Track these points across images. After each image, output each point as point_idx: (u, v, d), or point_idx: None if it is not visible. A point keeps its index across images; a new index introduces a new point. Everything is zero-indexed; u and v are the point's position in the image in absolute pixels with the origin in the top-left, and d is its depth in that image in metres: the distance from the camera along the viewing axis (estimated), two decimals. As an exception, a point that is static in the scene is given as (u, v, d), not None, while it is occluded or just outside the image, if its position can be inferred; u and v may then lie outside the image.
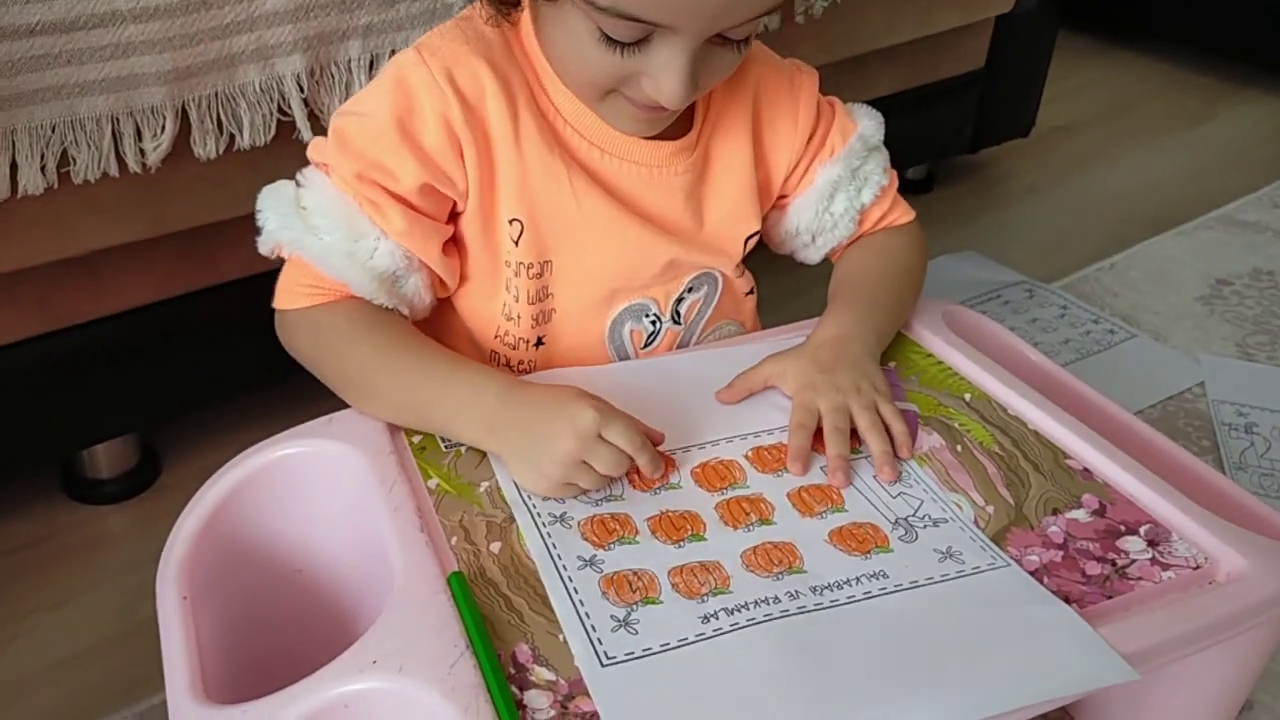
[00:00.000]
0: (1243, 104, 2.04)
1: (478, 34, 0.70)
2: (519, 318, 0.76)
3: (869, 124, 0.82)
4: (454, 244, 0.74)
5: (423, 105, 0.68)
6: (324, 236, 0.68)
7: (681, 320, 0.81)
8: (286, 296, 0.72)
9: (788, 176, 0.82)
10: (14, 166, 0.78)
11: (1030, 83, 1.68)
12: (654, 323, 0.80)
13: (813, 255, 0.87)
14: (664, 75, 0.64)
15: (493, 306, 0.76)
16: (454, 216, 0.73)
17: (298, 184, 0.70)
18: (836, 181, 0.81)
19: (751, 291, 0.85)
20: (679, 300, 0.80)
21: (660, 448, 0.69)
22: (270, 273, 0.99)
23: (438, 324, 0.78)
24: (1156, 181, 1.76)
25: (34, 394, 0.92)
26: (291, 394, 1.10)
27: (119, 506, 1.01)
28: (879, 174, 0.83)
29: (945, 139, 1.62)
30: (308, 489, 0.69)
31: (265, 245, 0.71)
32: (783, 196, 0.83)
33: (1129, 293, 1.44)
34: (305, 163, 0.71)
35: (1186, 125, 1.96)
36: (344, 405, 0.71)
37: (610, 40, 0.63)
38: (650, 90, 0.66)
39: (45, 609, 0.89)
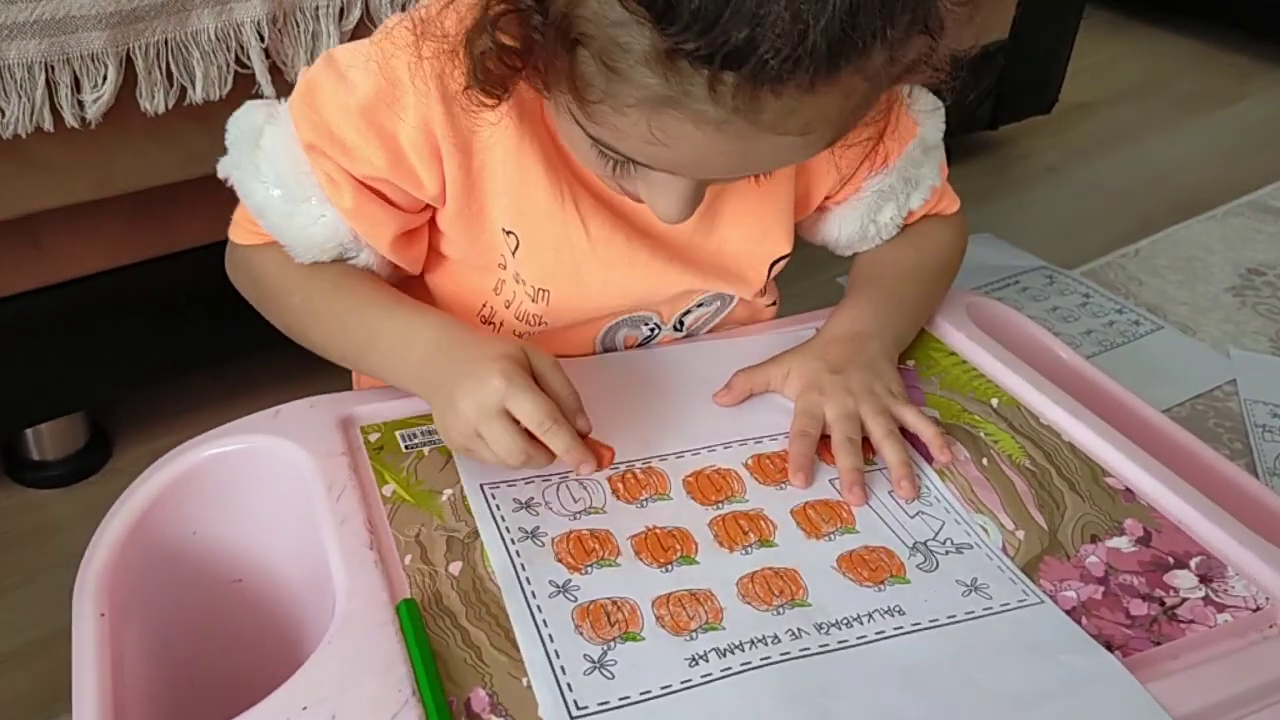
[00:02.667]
0: (1275, 84, 1.95)
1: None
2: (500, 325, 0.67)
3: (930, 124, 0.70)
4: (420, 233, 0.65)
5: (403, 99, 0.58)
6: (270, 189, 0.61)
7: (684, 329, 0.73)
8: (235, 228, 0.67)
9: (831, 193, 0.71)
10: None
11: (1054, 57, 1.59)
12: (653, 330, 0.72)
13: (843, 252, 0.76)
14: (661, 196, 0.55)
15: (474, 299, 0.68)
16: (425, 207, 0.64)
17: (268, 114, 0.62)
18: (887, 192, 0.71)
19: (774, 304, 0.76)
20: (685, 313, 0.71)
21: (649, 455, 0.61)
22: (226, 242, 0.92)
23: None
24: (1184, 164, 1.67)
25: (-30, 369, 0.85)
26: (253, 371, 1.03)
27: (64, 491, 0.94)
28: (933, 175, 0.72)
29: (962, 115, 1.53)
30: (249, 490, 0.62)
31: (221, 170, 0.64)
32: (823, 200, 0.73)
33: (1155, 281, 1.36)
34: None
35: (1216, 105, 1.87)
36: (311, 390, 0.64)
37: (604, 153, 0.53)
38: (647, 200, 0.56)
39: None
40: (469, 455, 0.58)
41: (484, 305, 0.68)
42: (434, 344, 0.60)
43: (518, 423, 0.55)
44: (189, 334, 0.94)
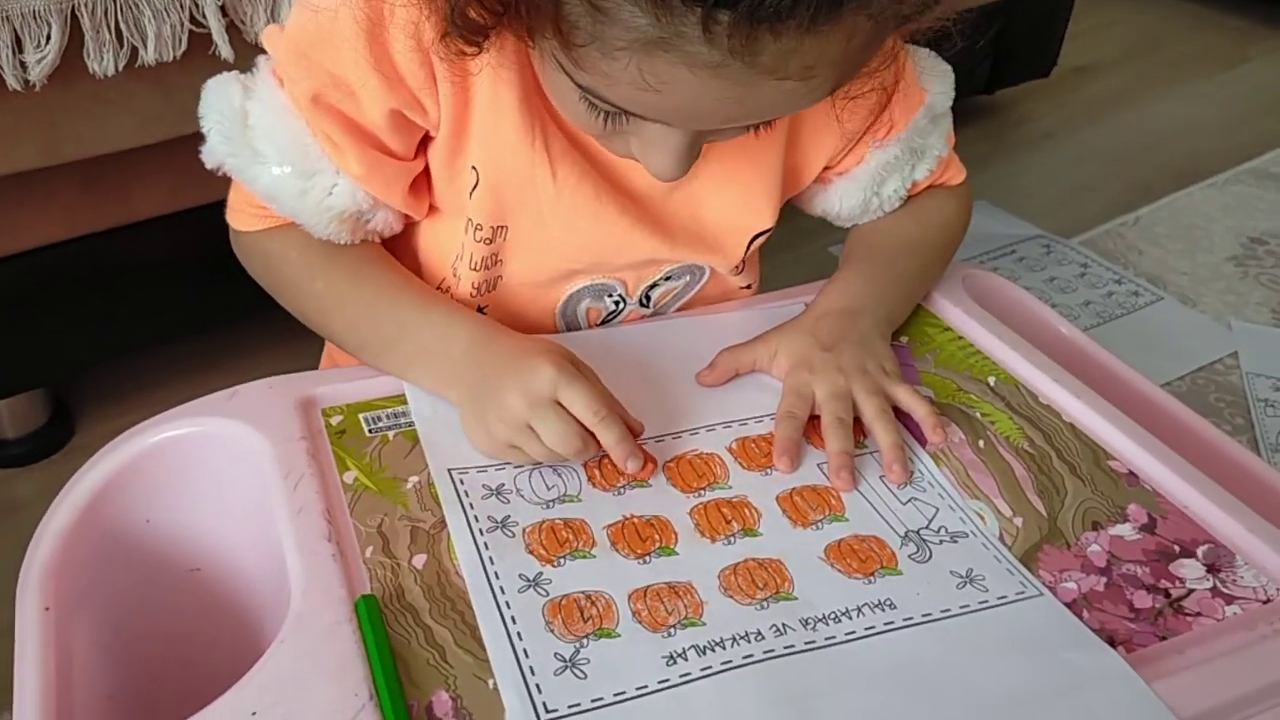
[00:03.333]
0: (1278, 48, 1.91)
1: None
2: (459, 278, 0.64)
3: (939, 89, 0.66)
4: (425, 177, 0.62)
5: (392, 23, 0.54)
6: (273, 169, 0.58)
7: (651, 305, 0.69)
8: (236, 215, 0.63)
9: (833, 161, 0.67)
10: None
11: (1052, 19, 1.55)
12: (617, 303, 0.68)
13: (843, 224, 0.73)
14: (654, 152, 0.52)
15: (447, 251, 0.65)
16: (426, 143, 0.61)
17: (244, 89, 0.58)
18: (892, 164, 0.67)
19: (750, 286, 0.72)
20: (651, 286, 0.68)
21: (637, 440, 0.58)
22: (193, 210, 0.88)
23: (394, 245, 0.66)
24: (1184, 129, 1.63)
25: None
26: (219, 345, 1.00)
27: (26, 470, 0.91)
28: (940, 145, 0.68)
29: (958, 78, 1.48)
30: (204, 476, 0.58)
31: (208, 159, 0.60)
32: (824, 171, 0.69)
33: (1155, 250, 1.32)
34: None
35: (1217, 69, 1.82)
36: (278, 364, 0.60)
37: (594, 104, 0.50)
38: (639, 156, 0.53)
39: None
40: (506, 455, 0.56)
41: (449, 267, 0.65)
42: (474, 341, 0.58)
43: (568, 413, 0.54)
44: (151, 307, 0.90)
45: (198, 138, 0.60)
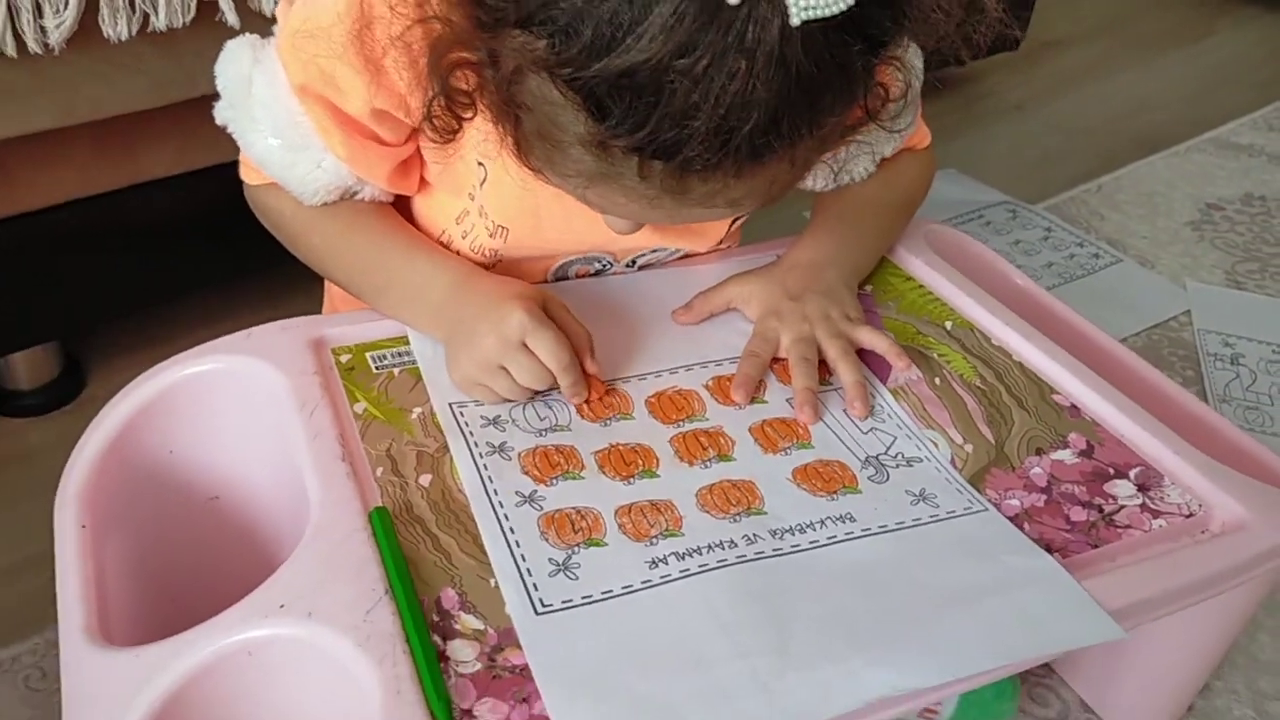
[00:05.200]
0: (1244, 22, 1.96)
1: None
2: (458, 252, 0.68)
3: (915, 66, 0.67)
4: (414, 161, 0.66)
5: (384, 16, 0.56)
6: (268, 138, 0.62)
7: (635, 267, 0.74)
8: (244, 169, 0.67)
9: None
10: (-106, 42, 0.69)
11: (1019, -6, 1.59)
12: (605, 266, 0.73)
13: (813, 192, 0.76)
14: (608, 218, 0.57)
15: (437, 220, 0.69)
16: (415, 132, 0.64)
17: (254, 58, 0.62)
18: (864, 144, 0.70)
19: (727, 247, 0.76)
20: (639, 255, 0.73)
21: (613, 377, 0.63)
22: (197, 172, 0.92)
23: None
24: (1150, 101, 1.69)
25: (-60, 298, 0.85)
26: (224, 301, 1.04)
27: (39, 420, 0.95)
28: (909, 123, 0.71)
29: (929, 50, 1.53)
30: (223, 409, 0.63)
31: (217, 117, 0.64)
32: None
33: (1116, 216, 1.38)
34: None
35: (1184, 42, 1.88)
36: (279, 318, 0.65)
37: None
38: (599, 212, 0.56)
39: (-46, 526, 0.83)
40: (477, 392, 0.60)
41: (443, 233, 0.69)
42: (453, 285, 0.63)
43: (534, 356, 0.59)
44: (161, 264, 0.94)
45: (204, 101, 0.64)
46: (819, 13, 0.41)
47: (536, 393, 0.61)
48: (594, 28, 0.42)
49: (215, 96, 0.63)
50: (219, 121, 0.64)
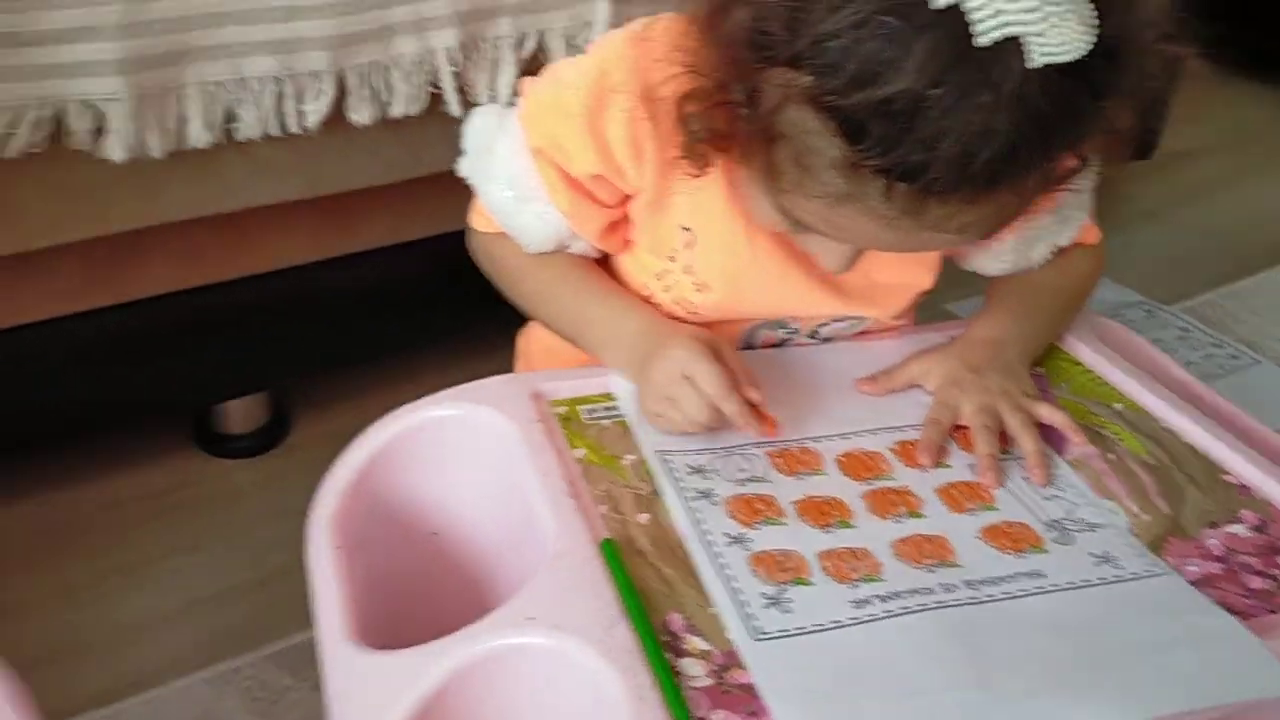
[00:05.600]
0: (1374, 137, 1.98)
1: None
2: (659, 305, 0.76)
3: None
4: (623, 223, 0.74)
5: (614, 102, 0.66)
6: (503, 189, 0.71)
7: (818, 338, 0.80)
8: (475, 217, 0.76)
9: None
10: (182, 120, 0.80)
11: (1154, 106, 1.64)
12: (790, 334, 0.79)
13: (989, 277, 0.81)
14: (828, 254, 0.65)
15: (639, 280, 0.77)
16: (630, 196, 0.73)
17: (500, 123, 0.73)
18: (1042, 231, 0.75)
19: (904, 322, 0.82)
20: (822, 325, 0.79)
21: (800, 436, 0.69)
22: (405, 244, 1.02)
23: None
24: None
25: (173, 347, 0.95)
26: (417, 364, 1.13)
27: (247, 462, 1.03)
28: (1082, 211, 0.77)
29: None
30: (453, 452, 0.70)
31: (461, 170, 0.74)
32: None
33: (1253, 319, 1.40)
34: (453, 139, 0.73)
35: (1314, 155, 1.90)
36: (462, 378, 0.72)
37: (785, 214, 0.61)
38: (815, 252, 0.65)
39: (180, 552, 0.91)
40: (657, 423, 0.67)
41: (644, 286, 0.77)
42: (641, 328, 0.71)
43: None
44: (366, 327, 1.04)
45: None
46: (1057, 58, 0.47)
47: (715, 425, 0.66)
48: (859, 63, 0.49)
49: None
50: (462, 174, 0.74)
